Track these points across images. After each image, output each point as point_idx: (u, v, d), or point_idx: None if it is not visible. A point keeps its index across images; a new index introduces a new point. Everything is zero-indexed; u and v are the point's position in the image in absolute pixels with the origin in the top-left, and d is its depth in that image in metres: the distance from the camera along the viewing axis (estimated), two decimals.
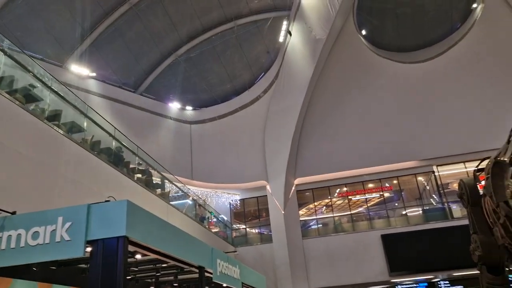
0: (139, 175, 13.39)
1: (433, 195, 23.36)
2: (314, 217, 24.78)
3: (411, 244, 20.70)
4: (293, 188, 23.98)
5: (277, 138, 23.72)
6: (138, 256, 6.31)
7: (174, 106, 26.65)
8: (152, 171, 14.45)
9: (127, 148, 12.40)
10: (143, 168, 13.86)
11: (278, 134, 23.71)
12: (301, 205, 24.62)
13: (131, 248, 5.26)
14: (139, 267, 8.21)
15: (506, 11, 21.27)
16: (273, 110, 24.35)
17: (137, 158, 13.33)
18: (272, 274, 21.29)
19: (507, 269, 7.78)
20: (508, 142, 6.16)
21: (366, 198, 24.11)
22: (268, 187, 23.95)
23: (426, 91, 22.76)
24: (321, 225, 24.48)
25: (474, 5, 22.84)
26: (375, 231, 22.01)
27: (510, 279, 7.85)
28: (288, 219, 22.82)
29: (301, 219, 23.99)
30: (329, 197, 24.65)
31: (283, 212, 22.87)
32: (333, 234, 23.20)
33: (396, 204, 23.93)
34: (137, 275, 9.03)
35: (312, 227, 24.54)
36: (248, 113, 25.80)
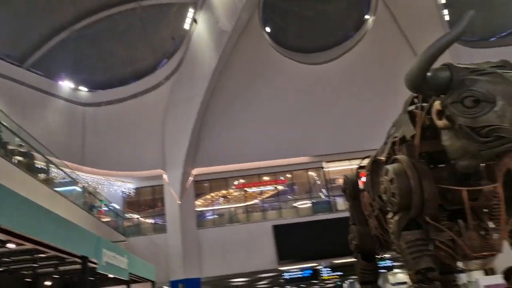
0: (20, 158, 12.16)
1: (322, 189, 25.07)
2: (211, 208, 24.99)
3: (299, 234, 21.98)
4: (191, 178, 23.85)
5: (177, 127, 23.27)
6: (12, 246, 5.75)
7: (66, 85, 24.36)
8: (36, 154, 13.22)
9: (5, 126, 11.16)
10: (25, 151, 12.60)
11: (178, 123, 23.27)
12: (198, 196, 24.63)
13: (2, 236, 4.77)
14: (12, 258, 7.49)
15: (392, 24, 23.58)
16: (175, 98, 23.82)
17: (17, 138, 12.08)
18: (164, 264, 20.99)
19: (377, 256, 8.67)
20: (386, 143, 6.80)
21: (261, 190, 24.99)
22: (165, 176, 23.46)
23: (321, 92, 24.19)
24: (217, 216, 24.78)
25: (367, 16, 24.86)
26: (267, 222, 23.01)
27: (379, 265, 8.75)
28: (184, 209, 22.68)
29: (197, 209, 24.01)
30: (226, 189, 25.03)
31: (179, 202, 22.63)
32: (227, 224, 23.79)
33: (289, 196, 25.19)
34: (11, 267, 8.25)
35: (208, 217, 24.72)
36: (148, 99, 24.82)
